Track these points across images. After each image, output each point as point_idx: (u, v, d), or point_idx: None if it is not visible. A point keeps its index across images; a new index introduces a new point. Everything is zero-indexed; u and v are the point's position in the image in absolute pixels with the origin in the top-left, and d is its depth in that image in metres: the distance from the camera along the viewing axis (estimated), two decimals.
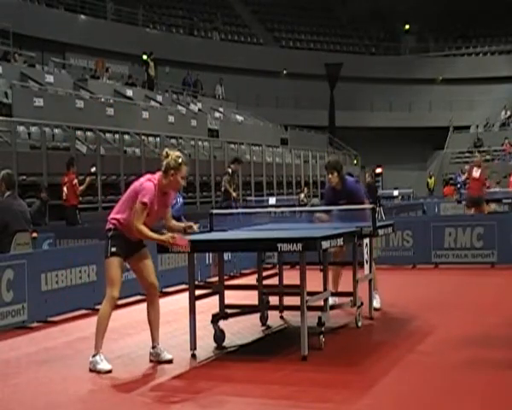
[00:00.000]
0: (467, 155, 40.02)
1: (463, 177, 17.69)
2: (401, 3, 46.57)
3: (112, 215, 6.48)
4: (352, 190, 8.55)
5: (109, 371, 6.18)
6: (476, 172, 16.46)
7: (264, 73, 40.89)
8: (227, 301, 7.43)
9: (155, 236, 6.31)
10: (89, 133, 19.61)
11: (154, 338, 6.53)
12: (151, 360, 6.51)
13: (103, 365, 6.22)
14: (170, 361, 6.44)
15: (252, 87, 39.22)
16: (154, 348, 6.54)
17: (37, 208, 14.08)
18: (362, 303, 7.77)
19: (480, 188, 16.45)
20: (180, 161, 6.33)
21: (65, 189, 14.96)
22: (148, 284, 6.54)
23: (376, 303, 8.44)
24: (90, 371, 6.22)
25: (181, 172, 6.33)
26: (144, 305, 6.72)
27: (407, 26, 49.78)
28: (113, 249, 6.36)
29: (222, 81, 36.04)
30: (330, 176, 8.55)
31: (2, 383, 6.09)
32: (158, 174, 6.37)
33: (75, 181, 15.09)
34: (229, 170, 15.73)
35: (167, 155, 6.36)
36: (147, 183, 6.31)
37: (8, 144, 16.50)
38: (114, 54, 32.68)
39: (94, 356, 6.27)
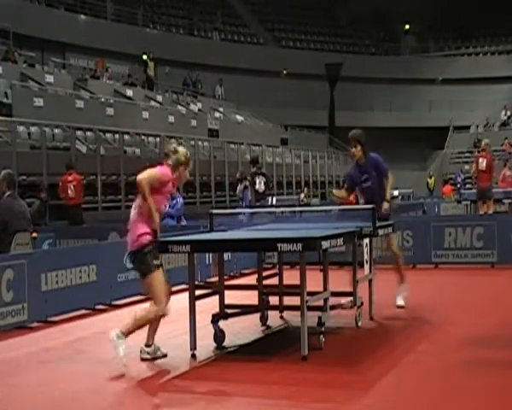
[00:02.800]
0: (467, 155, 40.03)
1: (473, 167, 17.06)
2: (401, 3, 46.60)
3: (138, 232, 6.34)
4: (375, 161, 8.55)
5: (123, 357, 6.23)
6: (482, 163, 15.98)
7: (264, 73, 40.89)
8: (227, 301, 7.43)
9: (151, 203, 6.30)
10: (89, 133, 19.61)
11: (152, 337, 6.54)
12: (143, 359, 6.50)
13: (123, 351, 6.25)
14: (165, 355, 6.49)
15: (252, 87, 39.21)
16: (149, 346, 6.54)
17: (37, 208, 14.09)
18: (362, 303, 7.77)
19: (488, 179, 15.99)
20: (189, 156, 6.57)
21: (72, 187, 15.03)
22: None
23: (400, 301, 8.51)
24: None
25: (189, 167, 6.57)
26: (145, 305, 6.72)
27: (407, 26, 49.82)
28: (156, 262, 6.35)
29: (221, 82, 36.05)
30: (354, 149, 8.56)
31: (2, 383, 6.09)
32: (166, 167, 6.52)
33: (82, 182, 15.36)
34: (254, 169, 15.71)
35: (176, 151, 6.51)
36: (161, 166, 6.50)
37: (8, 144, 16.50)
38: (114, 54, 32.71)
39: (119, 338, 6.24)
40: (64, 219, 15.45)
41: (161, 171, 6.42)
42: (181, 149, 6.57)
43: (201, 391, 5.67)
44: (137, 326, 6.33)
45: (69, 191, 15.02)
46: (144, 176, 6.33)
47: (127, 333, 6.28)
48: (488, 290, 10.27)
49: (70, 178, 15.10)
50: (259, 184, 15.01)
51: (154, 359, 6.48)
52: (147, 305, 6.63)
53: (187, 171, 6.57)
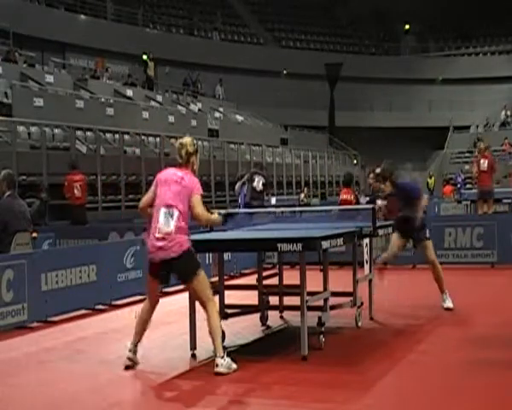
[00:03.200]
0: (467, 155, 40.03)
1: (475, 168, 16.97)
2: (401, 3, 46.60)
3: (184, 237, 6.14)
4: (404, 189, 8.62)
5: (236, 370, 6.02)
6: (484, 164, 15.94)
7: (264, 73, 40.89)
8: (227, 301, 7.43)
9: (214, 217, 6.39)
10: (89, 133, 19.60)
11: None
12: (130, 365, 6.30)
13: (233, 364, 6.04)
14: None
15: (252, 87, 39.21)
16: (136, 352, 6.35)
17: (37, 208, 14.06)
18: (362, 303, 7.77)
19: (488, 180, 15.96)
20: (195, 144, 6.53)
21: (78, 187, 15.00)
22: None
23: (449, 303, 8.56)
24: (220, 374, 5.92)
25: (198, 155, 6.49)
26: (205, 316, 6.33)
27: (407, 26, 49.82)
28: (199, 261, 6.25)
29: (222, 82, 36.04)
30: (383, 186, 8.79)
31: (2, 383, 6.09)
32: (183, 169, 6.33)
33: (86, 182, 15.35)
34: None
35: (183, 145, 6.41)
36: (193, 177, 6.31)
37: (8, 144, 16.49)
38: (114, 54, 32.72)
39: (223, 358, 6.01)
40: (65, 218, 15.44)
41: (198, 185, 6.25)
42: (186, 141, 6.47)
43: (201, 391, 5.67)
44: (219, 335, 6.11)
45: (75, 191, 14.98)
46: (202, 213, 6.17)
47: (221, 348, 6.06)
48: (488, 290, 10.27)
49: (76, 177, 15.09)
50: (258, 183, 15.08)
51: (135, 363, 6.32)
52: (207, 314, 6.21)
53: (197, 158, 6.49)
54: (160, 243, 6.07)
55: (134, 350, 6.33)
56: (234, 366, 6.04)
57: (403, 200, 8.59)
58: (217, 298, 7.31)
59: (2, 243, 9.02)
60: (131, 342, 6.34)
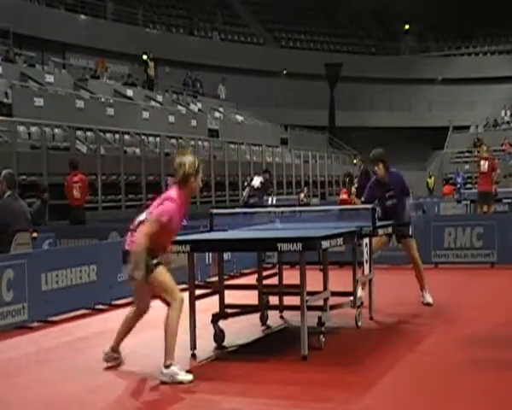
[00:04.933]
0: (467, 154, 40.06)
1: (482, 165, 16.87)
2: (401, 3, 46.61)
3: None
4: (400, 180, 8.75)
5: (191, 382, 5.78)
6: (484, 165, 15.86)
7: (264, 73, 40.91)
8: (227, 301, 7.43)
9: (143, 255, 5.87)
10: (89, 133, 19.61)
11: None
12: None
13: (184, 375, 5.82)
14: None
15: (252, 87, 39.21)
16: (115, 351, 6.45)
17: (37, 208, 14.06)
18: (362, 303, 7.77)
19: (488, 182, 15.91)
20: (197, 164, 6.04)
21: (77, 188, 14.94)
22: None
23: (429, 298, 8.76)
24: (163, 383, 5.78)
25: (199, 175, 6.08)
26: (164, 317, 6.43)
27: (407, 26, 49.84)
28: (154, 261, 5.97)
29: (224, 81, 35.98)
30: (376, 168, 8.66)
31: (2, 383, 6.09)
32: (174, 191, 6.01)
33: (87, 182, 15.27)
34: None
35: (182, 164, 6.00)
36: (169, 203, 5.94)
37: (8, 144, 16.51)
38: (114, 54, 32.73)
39: (169, 367, 5.81)
40: (65, 218, 15.43)
41: (162, 211, 5.92)
42: (186, 161, 6.01)
43: (201, 391, 5.67)
44: (174, 340, 5.89)
45: (74, 192, 14.90)
46: (140, 234, 5.93)
47: (171, 356, 5.84)
48: (488, 290, 10.26)
49: (75, 178, 14.98)
50: (256, 181, 15.42)
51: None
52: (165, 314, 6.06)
53: (199, 178, 6.06)
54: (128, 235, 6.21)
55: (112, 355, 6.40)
56: (180, 377, 5.76)
57: (394, 190, 8.63)
58: (216, 298, 7.33)
59: (3, 243, 9.03)
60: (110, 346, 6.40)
